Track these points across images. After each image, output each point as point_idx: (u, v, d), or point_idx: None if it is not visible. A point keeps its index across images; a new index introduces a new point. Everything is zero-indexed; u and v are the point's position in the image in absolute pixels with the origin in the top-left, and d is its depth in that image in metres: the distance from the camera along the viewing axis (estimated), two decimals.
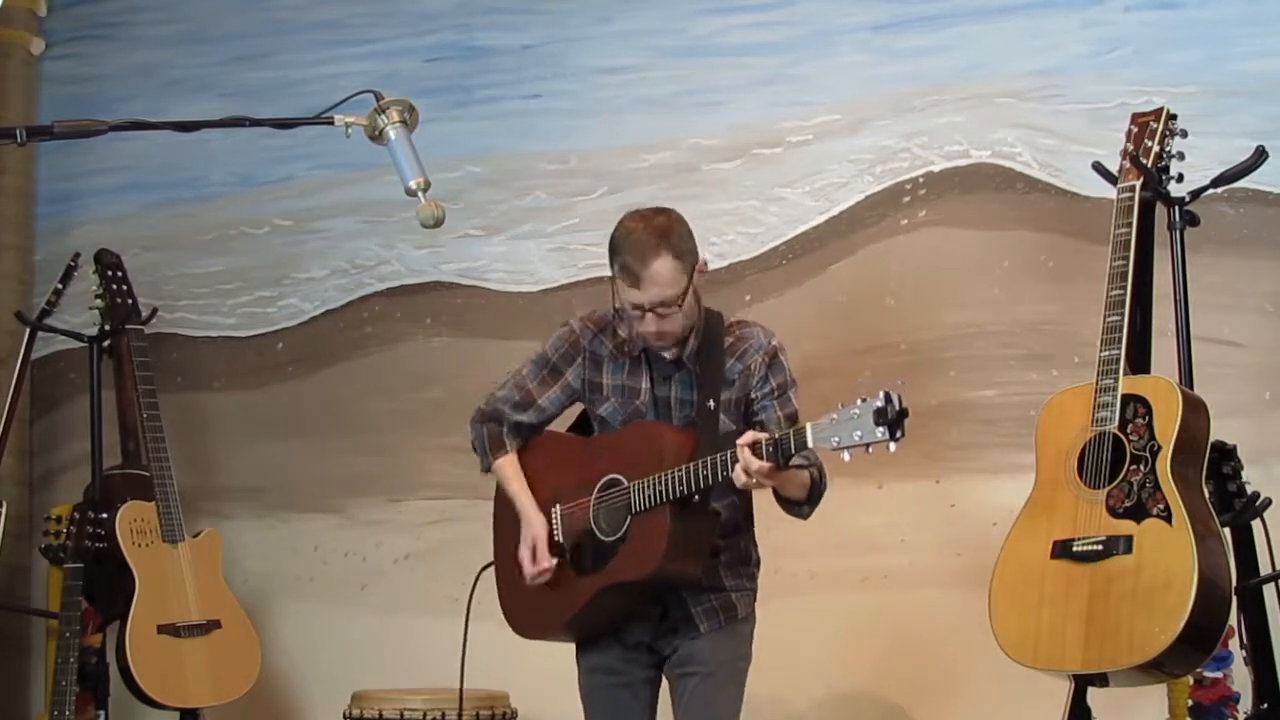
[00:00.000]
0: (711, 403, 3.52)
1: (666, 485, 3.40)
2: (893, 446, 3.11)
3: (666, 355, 3.59)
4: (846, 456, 3.17)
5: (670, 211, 3.55)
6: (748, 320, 3.69)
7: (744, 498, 3.62)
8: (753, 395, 3.58)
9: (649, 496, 3.43)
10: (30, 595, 5.46)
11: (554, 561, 3.60)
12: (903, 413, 3.10)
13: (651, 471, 3.43)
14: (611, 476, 3.55)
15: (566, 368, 3.70)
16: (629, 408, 3.62)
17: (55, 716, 4.55)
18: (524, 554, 3.63)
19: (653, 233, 3.46)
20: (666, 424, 3.58)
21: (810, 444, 3.21)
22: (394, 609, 5.13)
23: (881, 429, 3.10)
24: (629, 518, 3.48)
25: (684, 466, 3.38)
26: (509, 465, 3.74)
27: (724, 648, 3.58)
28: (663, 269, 3.44)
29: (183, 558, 4.74)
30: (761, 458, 3.25)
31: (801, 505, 3.53)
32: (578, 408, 3.79)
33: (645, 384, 3.61)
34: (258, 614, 5.04)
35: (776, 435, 3.28)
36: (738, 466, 3.28)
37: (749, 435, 3.30)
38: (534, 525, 3.64)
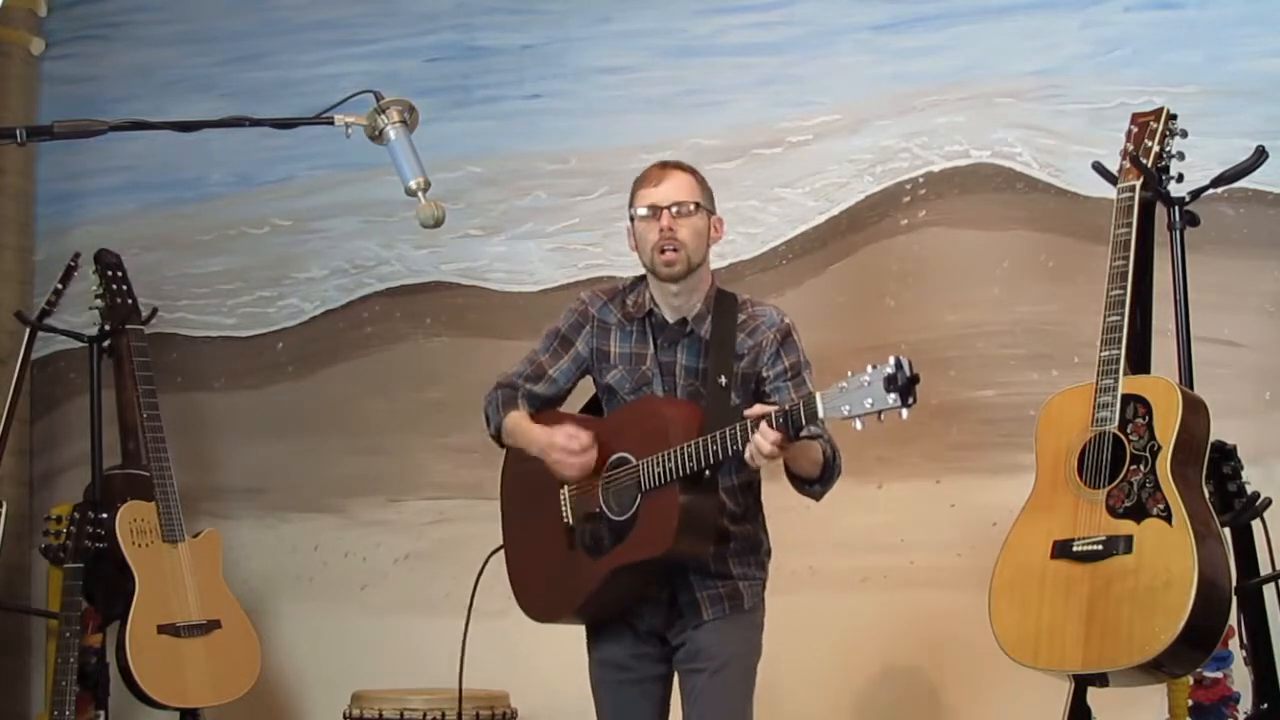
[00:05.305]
0: (723, 378, 3.51)
1: (676, 462, 3.37)
2: (905, 413, 3.05)
3: (669, 314, 3.59)
4: (859, 425, 3.13)
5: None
6: (761, 300, 3.71)
7: (751, 484, 3.61)
8: (765, 374, 3.57)
9: (658, 474, 3.40)
10: (30, 595, 5.46)
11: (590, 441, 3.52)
12: (913, 378, 3.05)
13: (660, 448, 3.41)
14: (619, 455, 3.52)
15: (576, 336, 3.70)
16: (635, 374, 3.62)
17: (55, 716, 4.55)
18: (564, 448, 3.53)
19: (676, 162, 3.66)
20: (672, 400, 3.57)
21: (821, 414, 3.17)
22: (394, 609, 5.12)
23: (893, 395, 3.05)
24: (639, 496, 3.45)
25: (694, 442, 3.35)
26: (521, 417, 3.68)
27: (732, 641, 3.56)
28: (683, 178, 3.60)
29: (183, 558, 4.73)
30: (772, 428, 3.23)
31: (814, 484, 3.51)
32: (587, 391, 3.77)
33: (650, 349, 3.62)
34: (258, 614, 5.03)
35: (786, 406, 3.25)
36: (750, 440, 3.25)
37: (759, 407, 3.29)
38: (560, 431, 3.55)
